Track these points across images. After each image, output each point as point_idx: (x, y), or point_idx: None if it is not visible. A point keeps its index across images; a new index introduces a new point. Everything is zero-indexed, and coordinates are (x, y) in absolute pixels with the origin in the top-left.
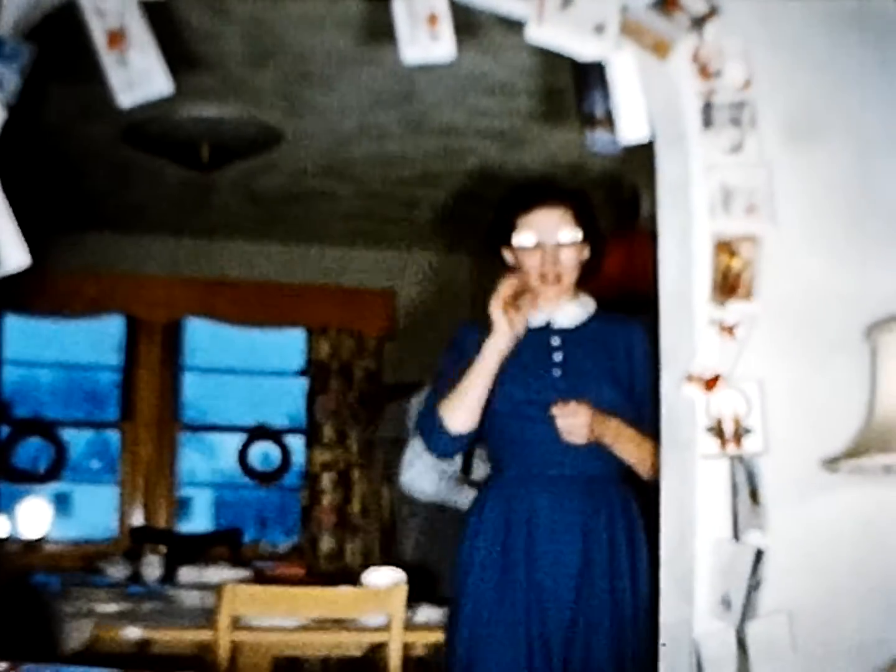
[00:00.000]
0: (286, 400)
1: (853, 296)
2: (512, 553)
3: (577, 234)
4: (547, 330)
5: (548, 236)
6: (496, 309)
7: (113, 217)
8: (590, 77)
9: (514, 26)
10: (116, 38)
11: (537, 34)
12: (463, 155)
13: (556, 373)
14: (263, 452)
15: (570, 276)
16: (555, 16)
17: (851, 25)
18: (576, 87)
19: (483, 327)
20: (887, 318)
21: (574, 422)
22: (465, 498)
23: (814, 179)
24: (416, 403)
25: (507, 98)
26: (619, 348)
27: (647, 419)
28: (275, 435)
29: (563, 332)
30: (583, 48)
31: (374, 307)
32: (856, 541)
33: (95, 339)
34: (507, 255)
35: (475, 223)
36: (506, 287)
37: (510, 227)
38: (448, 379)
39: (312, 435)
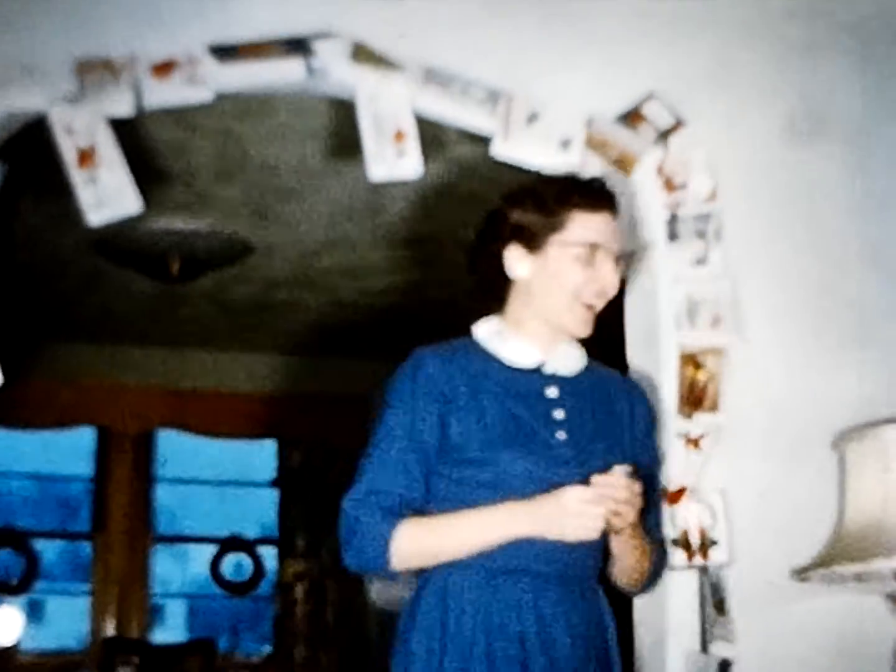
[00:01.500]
0: (258, 510)
1: (819, 404)
2: None
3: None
4: (538, 376)
5: (610, 245)
6: (596, 507)
7: (83, 327)
8: None
9: (481, 139)
10: (86, 156)
11: (503, 150)
12: (432, 265)
13: (560, 436)
14: (236, 563)
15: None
16: (520, 131)
17: (813, 134)
18: None
19: (452, 355)
20: (854, 426)
21: (629, 507)
22: None
23: (779, 287)
24: None
25: (476, 208)
26: (622, 411)
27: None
28: (247, 546)
29: (559, 381)
30: (548, 163)
31: (346, 416)
32: (828, 650)
33: (67, 450)
34: (517, 263)
35: (445, 332)
36: (626, 488)
37: (551, 223)
38: (404, 440)
39: (285, 545)
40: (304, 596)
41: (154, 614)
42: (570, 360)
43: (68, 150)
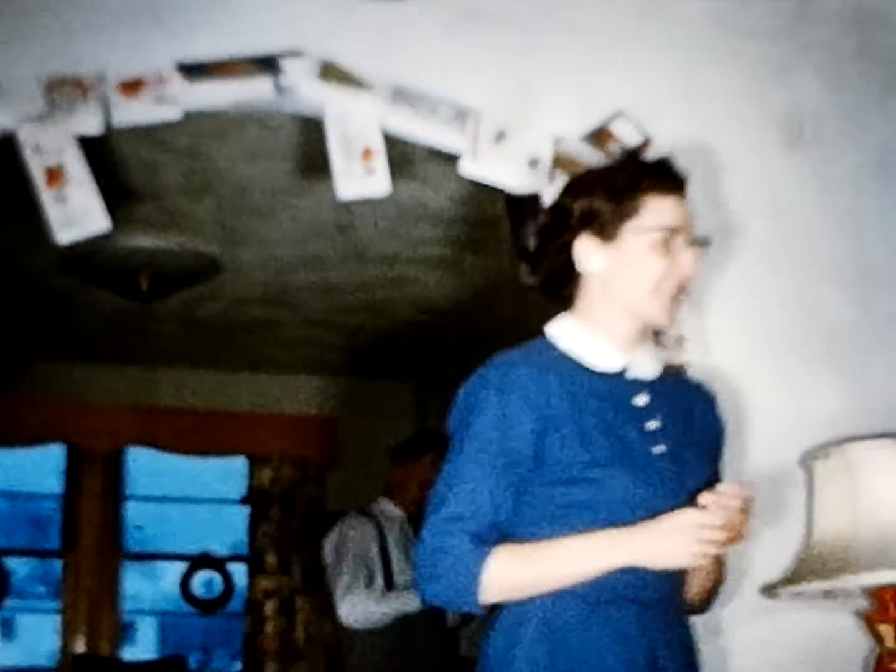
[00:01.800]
0: (228, 528)
1: (787, 422)
2: None
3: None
4: (623, 381)
5: (687, 229)
6: (714, 532)
7: (53, 346)
8: (524, 209)
9: (449, 157)
10: (55, 175)
11: (471, 169)
12: (402, 283)
13: (658, 449)
14: (206, 580)
15: None
16: (488, 150)
17: (784, 152)
18: (510, 219)
19: (539, 361)
20: (821, 443)
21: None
22: (388, 608)
23: (746, 306)
24: (335, 536)
25: (445, 226)
26: (701, 417)
27: None
28: (217, 563)
29: (647, 387)
30: (516, 182)
31: (316, 435)
32: (796, 669)
33: (37, 468)
34: (590, 254)
35: (416, 350)
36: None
37: (623, 209)
38: (493, 464)
39: (255, 562)
40: (274, 613)
41: (124, 632)
42: (652, 363)
43: (36, 169)
